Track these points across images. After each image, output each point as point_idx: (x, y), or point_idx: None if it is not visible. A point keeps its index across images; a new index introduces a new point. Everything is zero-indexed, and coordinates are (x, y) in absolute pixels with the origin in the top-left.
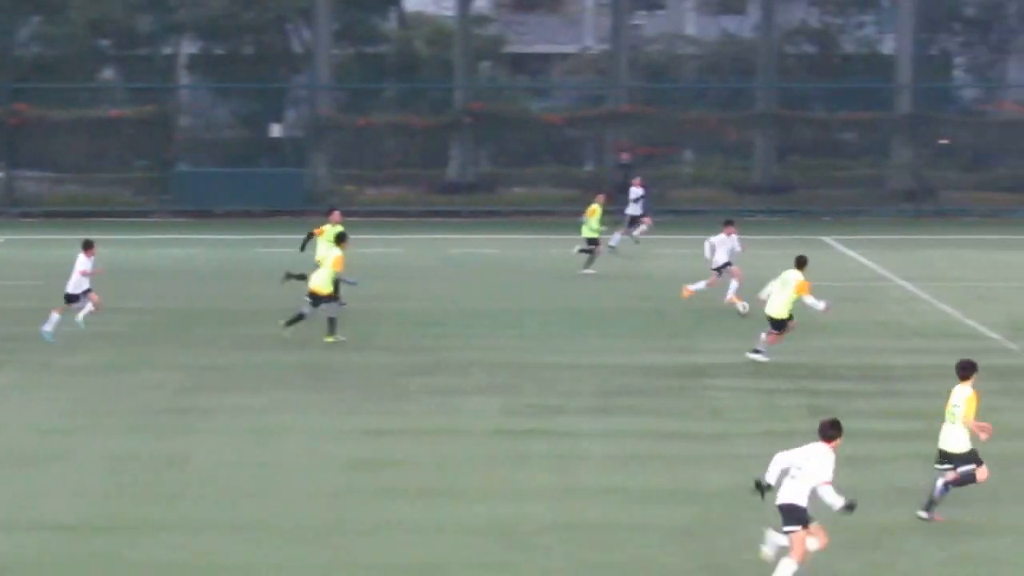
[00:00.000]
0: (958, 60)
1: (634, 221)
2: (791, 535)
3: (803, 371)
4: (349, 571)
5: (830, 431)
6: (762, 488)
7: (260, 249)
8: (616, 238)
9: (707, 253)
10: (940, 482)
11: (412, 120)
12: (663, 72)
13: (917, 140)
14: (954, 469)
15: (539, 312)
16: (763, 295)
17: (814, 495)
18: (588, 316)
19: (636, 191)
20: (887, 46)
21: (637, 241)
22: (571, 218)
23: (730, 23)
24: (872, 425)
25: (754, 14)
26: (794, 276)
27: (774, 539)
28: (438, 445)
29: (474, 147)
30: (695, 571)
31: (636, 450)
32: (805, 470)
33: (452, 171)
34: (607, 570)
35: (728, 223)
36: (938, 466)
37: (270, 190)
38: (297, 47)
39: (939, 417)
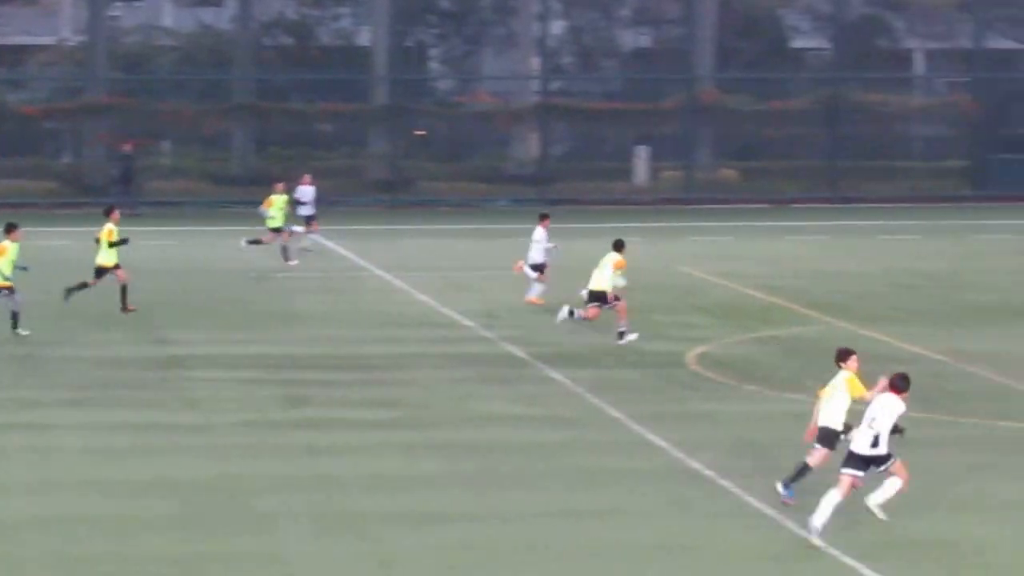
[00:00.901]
0: (434, 52)
1: (309, 220)
2: (890, 468)
3: (281, 361)
4: None
5: (901, 384)
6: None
7: None
8: (308, 238)
9: (542, 257)
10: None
11: None
12: (141, 63)
13: (394, 131)
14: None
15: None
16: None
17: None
18: (63, 308)
19: (306, 190)
20: (364, 38)
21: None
22: (50, 211)
23: (207, 15)
24: (351, 414)
25: (231, 6)
26: (612, 257)
27: (873, 502)
28: None
29: None
30: (181, 561)
31: (114, 442)
32: (879, 420)
33: None
34: (84, 563)
35: (543, 216)
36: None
37: None
38: None
39: (416, 405)
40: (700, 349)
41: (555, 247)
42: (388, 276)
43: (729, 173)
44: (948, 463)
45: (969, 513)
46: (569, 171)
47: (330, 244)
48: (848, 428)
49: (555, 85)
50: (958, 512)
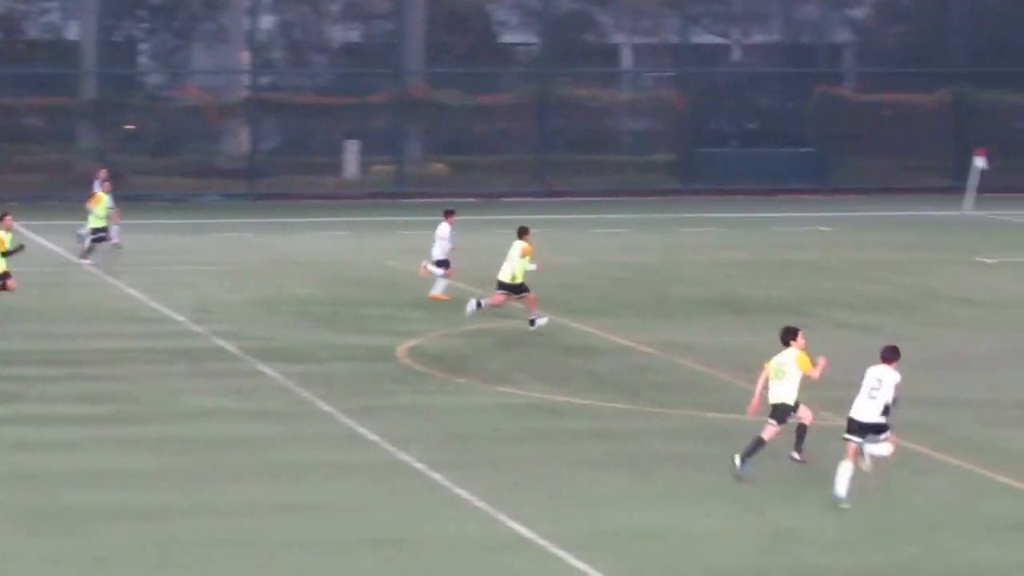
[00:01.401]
0: (143, 46)
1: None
2: (887, 441)
3: None
4: None
5: (890, 355)
6: None
7: None
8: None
9: (445, 253)
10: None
11: None
12: None
13: (103, 126)
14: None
15: None
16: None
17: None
18: None
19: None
20: (72, 32)
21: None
22: None
23: None
24: (61, 410)
25: None
26: (518, 245)
27: (871, 450)
28: None
29: None
30: None
31: None
32: (883, 390)
33: None
34: None
35: (449, 212)
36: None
37: None
38: None
39: (127, 400)
40: (410, 343)
41: (452, 246)
42: (98, 271)
43: (439, 167)
44: (655, 454)
45: (677, 502)
46: (279, 165)
47: (39, 239)
48: (797, 405)
49: (265, 80)
50: (666, 502)
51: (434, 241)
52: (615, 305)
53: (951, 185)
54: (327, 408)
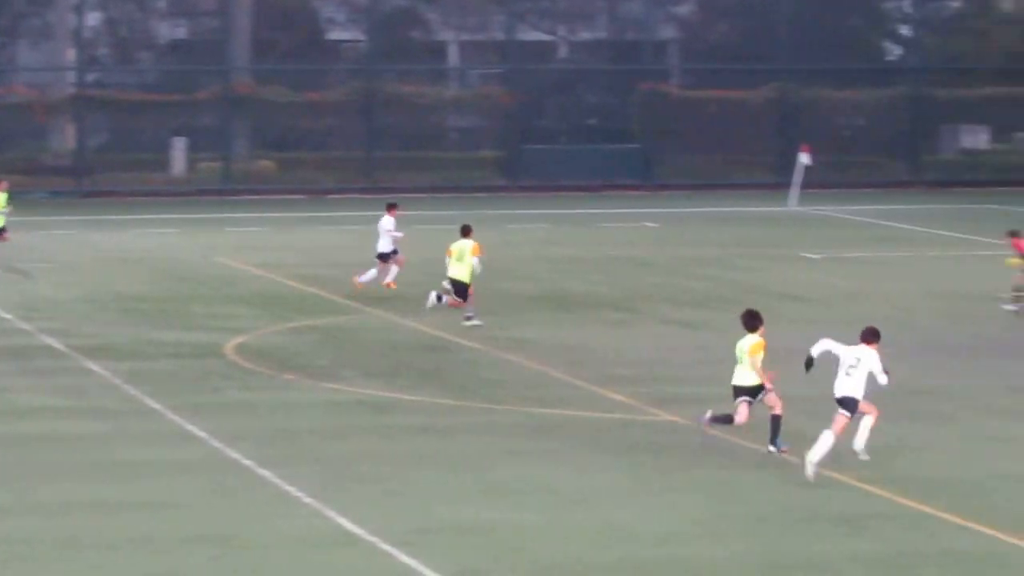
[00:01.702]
0: None
1: None
2: (840, 416)
3: None
4: None
5: (869, 337)
6: (810, 362)
7: None
8: None
9: (390, 246)
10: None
11: None
12: None
13: None
14: (751, 401)
15: None
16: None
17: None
18: None
19: None
20: None
21: None
22: None
23: None
24: None
25: None
26: (467, 244)
27: (815, 456)
28: None
29: None
30: None
31: None
32: (860, 368)
33: None
34: None
35: (391, 206)
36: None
37: None
38: None
39: None
40: (238, 339)
41: (400, 235)
42: None
43: (266, 164)
44: (484, 449)
45: (506, 498)
46: (107, 162)
47: None
48: (761, 388)
49: (91, 77)
50: (495, 497)
51: (378, 235)
52: None
53: (776, 181)
54: (155, 405)
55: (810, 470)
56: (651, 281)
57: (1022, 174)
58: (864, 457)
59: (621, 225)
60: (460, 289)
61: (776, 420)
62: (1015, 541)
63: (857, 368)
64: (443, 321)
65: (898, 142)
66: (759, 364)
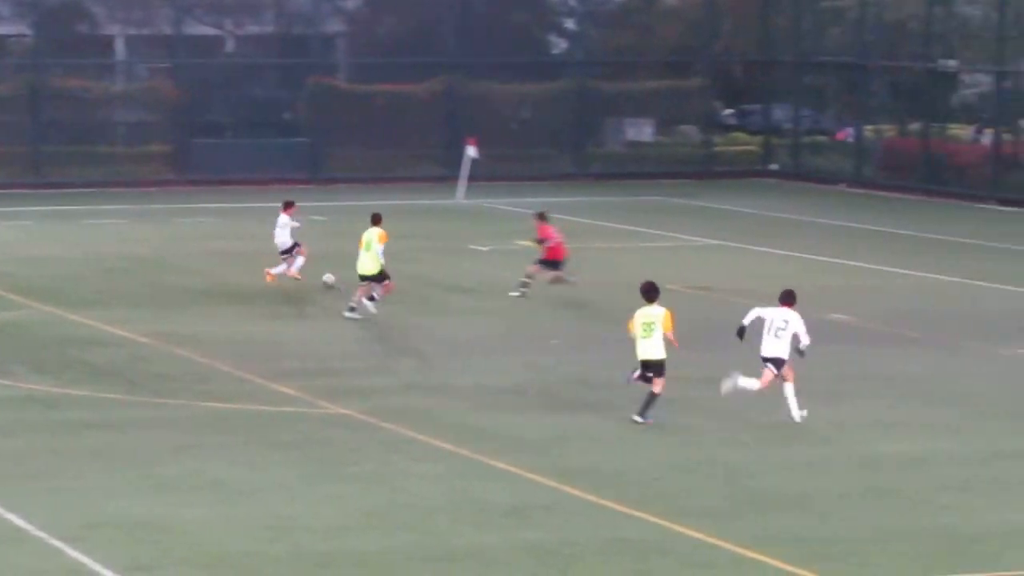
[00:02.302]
0: None
1: None
2: (768, 372)
3: None
4: None
5: (789, 299)
6: (742, 331)
7: None
8: None
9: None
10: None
11: None
12: None
13: None
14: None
15: None
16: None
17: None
18: None
19: None
20: None
21: None
22: None
23: None
24: None
25: None
26: (375, 232)
27: (741, 382)
28: None
29: None
30: None
31: None
32: (788, 330)
33: None
34: None
35: (289, 204)
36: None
37: None
38: None
39: None
40: None
41: (299, 226)
42: None
43: None
44: (154, 444)
45: (176, 493)
46: None
47: None
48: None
49: None
50: (165, 492)
51: (277, 232)
52: (112, 296)
53: (445, 174)
54: None
55: (728, 385)
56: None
57: (686, 166)
58: (802, 415)
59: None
60: (374, 278)
61: (652, 397)
62: (679, 529)
63: (785, 330)
64: (111, 315)
65: (564, 135)
66: (672, 333)
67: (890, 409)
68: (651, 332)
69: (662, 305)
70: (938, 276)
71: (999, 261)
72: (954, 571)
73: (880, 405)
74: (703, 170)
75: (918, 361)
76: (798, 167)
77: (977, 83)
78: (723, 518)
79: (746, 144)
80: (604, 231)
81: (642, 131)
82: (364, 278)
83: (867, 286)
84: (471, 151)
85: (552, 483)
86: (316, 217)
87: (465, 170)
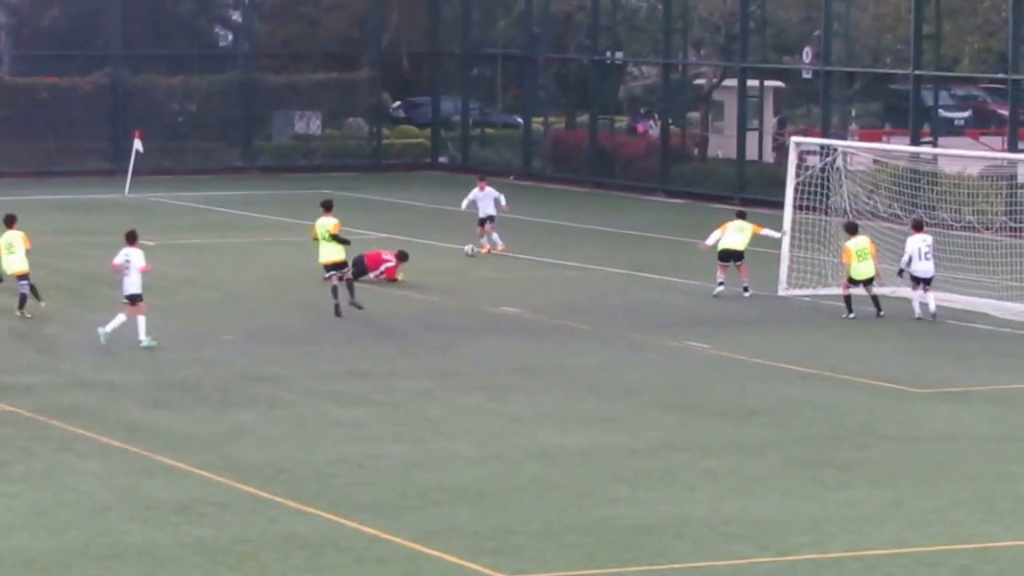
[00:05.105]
0: None
1: None
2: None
3: None
4: None
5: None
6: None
7: None
8: None
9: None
10: None
11: None
12: None
13: None
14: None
15: None
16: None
17: None
18: None
19: None
20: None
21: None
22: None
23: None
24: None
25: None
26: (329, 220)
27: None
28: None
29: None
30: None
31: None
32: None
33: None
34: None
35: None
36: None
37: None
38: None
39: None
40: None
41: None
42: None
43: None
44: None
45: None
46: None
47: None
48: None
49: None
50: None
51: None
52: None
53: (111, 168)
54: None
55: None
56: None
57: (354, 159)
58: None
59: None
60: (338, 266)
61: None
62: (353, 524)
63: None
64: None
65: (231, 128)
66: None
67: (562, 402)
68: (866, 256)
69: None
70: (607, 268)
71: (665, 253)
72: (625, 563)
73: (552, 398)
74: (372, 163)
75: (589, 353)
76: (467, 160)
77: (644, 76)
78: (397, 512)
79: (415, 137)
80: (274, 224)
81: (310, 124)
82: (331, 267)
83: (537, 278)
84: (137, 144)
85: (224, 480)
86: None
87: (131, 164)
